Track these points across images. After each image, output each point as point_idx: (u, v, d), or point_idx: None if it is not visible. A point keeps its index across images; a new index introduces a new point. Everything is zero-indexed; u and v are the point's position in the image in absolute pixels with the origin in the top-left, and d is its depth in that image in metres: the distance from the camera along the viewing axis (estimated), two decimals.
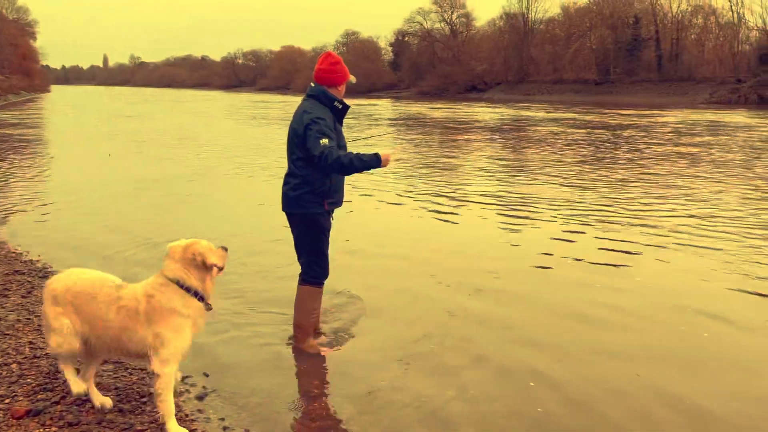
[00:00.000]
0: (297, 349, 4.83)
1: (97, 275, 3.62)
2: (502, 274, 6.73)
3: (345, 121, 4.86)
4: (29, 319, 4.98)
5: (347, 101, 4.77)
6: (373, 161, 4.35)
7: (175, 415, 3.64)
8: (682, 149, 19.75)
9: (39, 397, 3.69)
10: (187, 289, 3.38)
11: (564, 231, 8.76)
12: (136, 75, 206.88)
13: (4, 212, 9.79)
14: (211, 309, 3.51)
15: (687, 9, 72.58)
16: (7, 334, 4.62)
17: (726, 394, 4.22)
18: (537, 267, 7.03)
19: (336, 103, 4.65)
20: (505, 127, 30.40)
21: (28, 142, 21.47)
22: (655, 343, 5.02)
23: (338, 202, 4.78)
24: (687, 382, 4.36)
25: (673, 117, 36.51)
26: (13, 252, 7.39)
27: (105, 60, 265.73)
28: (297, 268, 4.87)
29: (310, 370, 4.58)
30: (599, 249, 7.78)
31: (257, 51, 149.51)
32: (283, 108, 48.20)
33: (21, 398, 3.67)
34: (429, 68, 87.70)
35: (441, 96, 77.96)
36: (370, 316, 5.53)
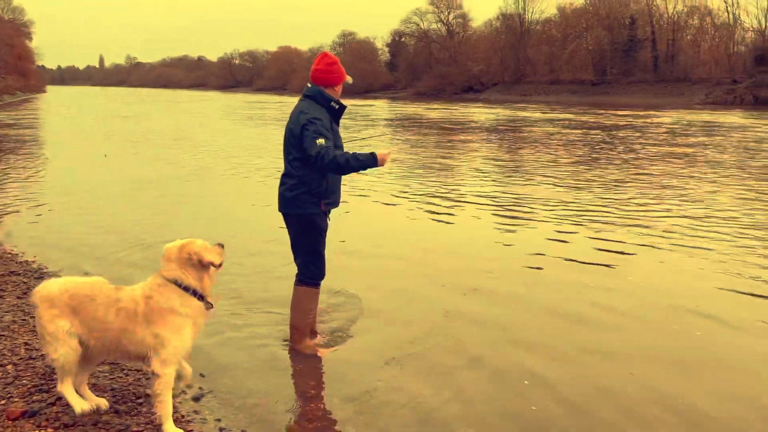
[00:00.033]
0: (293, 350, 4.82)
1: (92, 279, 3.59)
2: (497, 275, 6.74)
3: (342, 121, 4.86)
4: (24, 320, 4.97)
5: (344, 101, 4.77)
6: (369, 161, 4.35)
7: (172, 416, 3.65)
8: (677, 149, 19.80)
9: (35, 398, 3.68)
10: (186, 289, 3.38)
11: (558, 231, 8.77)
12: (132, 75, 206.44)
13: None
14: (212, 308, 3.51)
15: (683, 10, 72.90)
16: (3, 336, 4.61)
17: (718, 394, 4.24)
18: (532, 267, 7.04)
19: (333, 104, 4.65)
20: (500, 127, 30.43)
21: (24, 143, 21.41)
22: (648, 343, 5.04)
23: (335, 203, 4.78)
24: (679, 382, 4.37)
25: (668, 117, 36.60)
26: (9, 253, 7.37)
27: (101, 60, 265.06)
28: (293, 269, 4.87)
29: (307, 371, 4.58)
30: (594, 249, 7.80)
31: (254, 51, 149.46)
32: (279, 108, 48.17)
33: (16, 399, 3.66)
34: (426, 69, 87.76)
35: (438, 96, 78.01)
36: (367, 316, 5.53)
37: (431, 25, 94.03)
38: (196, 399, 4.00)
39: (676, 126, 30.25)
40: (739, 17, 69.28)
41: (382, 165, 4.41)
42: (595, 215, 9.80)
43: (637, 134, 25.53)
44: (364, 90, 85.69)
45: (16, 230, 8.68)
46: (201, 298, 3.44)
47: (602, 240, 8.25)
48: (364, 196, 11.33)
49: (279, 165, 4.88)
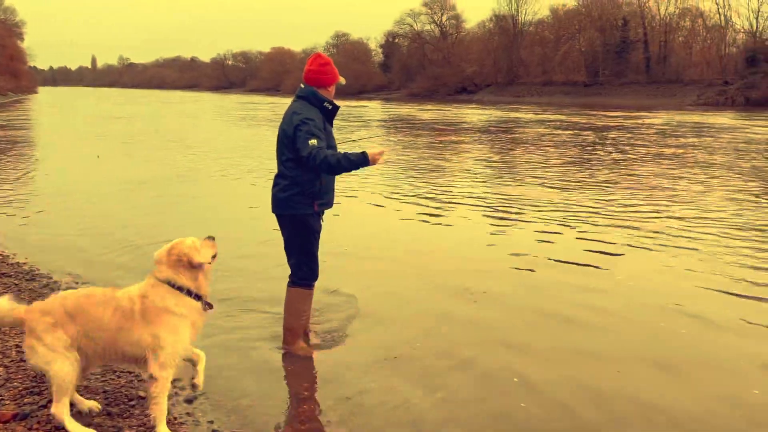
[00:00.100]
0: (287, 352, 4.81)
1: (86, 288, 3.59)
2: (487, 276, 6.75)
3: (335, 122, 4.85)
4: None
5: (337, 102, 4.76)
6: (361, 160, 4.33)
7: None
8: (667, 150, 19.90)
9: (26, 400, 3.66)
10: (180, 289, 3.36)
11: (548, 232, 8.80)
12: (124, 76, 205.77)
13: None
14: (212, 308, 3.49)
15: (675, 11, 73.20)
16: None
17: (703, 394, 4.26)
18: (521, 269, 7.06)
19: (326, 104, 4.64)
20: (492, 128, 30.49)
21: (15, 144, 21.32)
22: (635, 344, 5.07)
23: (328, 204, 4.77)
24: (665, 383, 4.39)
25: (658, 119, 36.74)
26: (0, 254, 7.33)
27: (93, 61, 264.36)
28: (286, 270, 4.86)
29: (300, 373, 4.57)
30: (582, 250, 7.83)
31: (247, 52, 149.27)
32: (272, 109, 48.11)
33: (7, 402, 3.63)
34: (419, 70, 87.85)
35: (431, 98, 78.07)
36: (359, 318, 5.53)
37: (424, 26, 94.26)
38: (189, 401, 3.98)
39: (666, 127, 30.39)
40: (731, 19, 69.75)
41: (374, 164, 4.39)
42: (584, 216, 9.84)
43: (628, 135, 25.63)
44: (357, 91, 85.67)
45: (7, 231, 8.64)
46: (198, 298, 3.42)
47: (591, 241, 8.29)
48: (356, 197, 11.32)
49: (271, 166, 4.87)
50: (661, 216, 9.85)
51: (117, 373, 4.15)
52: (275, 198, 4.67)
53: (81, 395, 3.61)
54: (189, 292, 3.38)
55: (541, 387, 4.29)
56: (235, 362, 4.59)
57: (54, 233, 8.57)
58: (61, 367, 3.20)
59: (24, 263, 6.99)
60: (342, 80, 4.80)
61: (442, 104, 62.46)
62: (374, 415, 3.93)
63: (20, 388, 3.80)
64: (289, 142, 4.51)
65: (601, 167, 15.86)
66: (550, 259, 7.42)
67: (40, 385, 3.81)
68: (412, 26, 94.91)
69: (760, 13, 64.51)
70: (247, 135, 26.31)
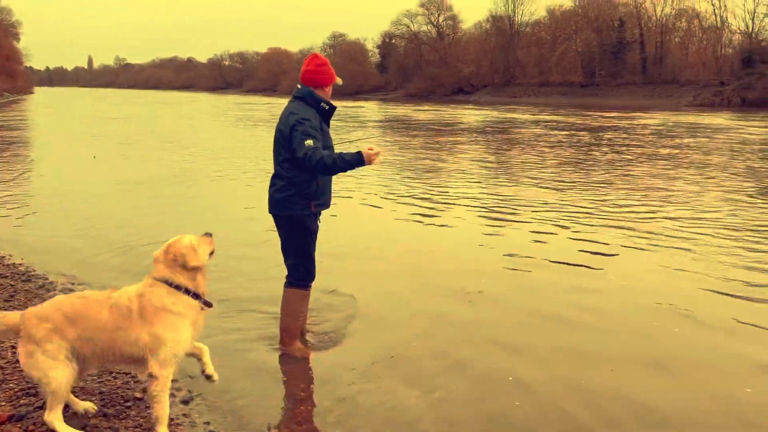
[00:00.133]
0: (283, 353, 4.81)
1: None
2: (483, 277, 6.75)
3: (332, 122, 4.85)
4: None
5: (334, 103, 4.76)
6: (356, 160, 4.33)
7: None
8: (662, 151, 19.95)
9: (22, 402, 3.65)
10: (177, 287, 3.35)
11: (543, 233, 8.82)
12: (121, 76, 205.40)
13: None
14: (211, 306, 3.48)
15: (671, 12, 73.36)
16: None
17: (694, 394, 4.27)
18: (517, 269, 7.07)
19: (323, 104, 4.64)
20: (489, 129, 30.51)
21: (10, 144, 21.25)
22: (629, 344, 5.09)
23: (325, 204, 4.77)
24: (658, 383, 4.40)
25: (654, 119, 36.80)
26: None
27: (90, 61, 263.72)
28: (283, 271, 4.85)
29: (297, 374, 4.56)
30: (578, 250, 7.84)
31: (244, 53, 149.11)
32: (268, 110, 48.09)
33: (3, 403, 3.62)
34: (416, 70, 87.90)
35: (428, 98, 78.11)
36: (356, 319, 5.53)
37: (421, 27, 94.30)
38: (185, 402, 3.98)
39: (661, 128, 30.45)
40: (727, 20, 69.89)
41: (369, 164, 4.37)
42: (579, 216, 9.85)
43: (624, 136, 25.68)
44: (354, 91, 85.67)
45: (2, 232, 8.63)
46: (196, 296, 3.41)
47: (585, 241, 8.31)
48: (352, 198, 11.32)
49: (267, 167, 4.87)
50: (656, 216, 9.88)
51: (113, 375, 4.14)
52: (272, 199, 4.66)
53: (77, 396, 3.60)
54: (187, 291, 3.37)
55: (535, 387, 4.30)
56: (232, 363, 4.58)
57: (50, 234, 8.55)
58: (59, 375, 3.16)
59: (20, 264, 6.97)
60: (339, 81, 4.81)
61: (439, 105, 62.49)
62: (371, 415, 3.93)
63: (16, 390, 3.79)
64: (285, 142, 4.51)
65: (596, 168, 15.88)
66: (544, 259, 7.44)
67: (35, 386, 3.80)
68: (408, 27, 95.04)
69: (755, 15, 64.75)
70: (244, 135, 26.29)
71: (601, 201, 11.23)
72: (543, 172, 14.99)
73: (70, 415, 3.48)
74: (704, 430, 3.86)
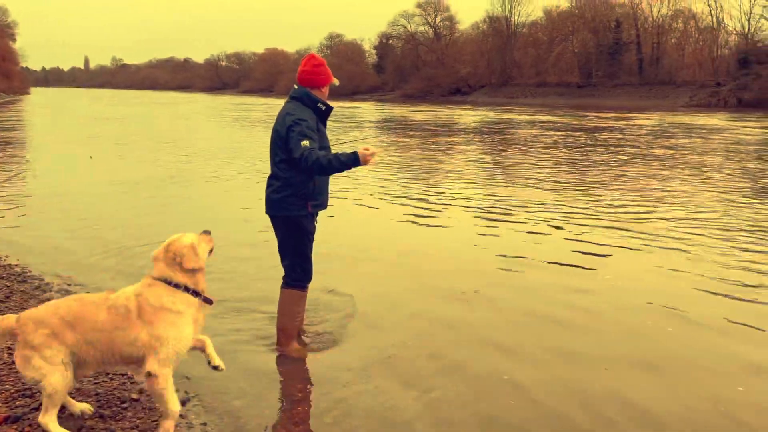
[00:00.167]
0: (280, 353, 4.80)
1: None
2: (478, 278, 6.75)
3: (328, 123, 4.85)
4: None
5: (331, 103, 4.76)
6: (351, 160, 4.32)
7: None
8: (657, 151, 20.00)
9: (18, 403, 3.64)
10: (177, 286, 3.34)
11: (538, 233, 8.84)
12: (117, 77, 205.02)
13: None
14: (211, 303, 3.48)
15: (667, 13, 73.49)
16: None
17: (688, 394, 4.28)
18: (512, 270, 7.08)
19: (319, 105, 4.64)
20: (485, 129, 30.54)
21: (6, 145, 21.21)
22: (622, 345, 5.09)
23: (322, 205, 4.77)
24: (651, 384, 4.41)
25: (649, 120, 36.86)
26: None
27: (86, 62, 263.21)
28: (280, 271, 4.85)
29: (294, 374, 4.56)
30: (572, 251, 7.86)
31: (240, 53, 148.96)
32: (265, 110, 48.06)
33: None
34: (413, 71, 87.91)
35: (425, 99, 78.13)
36: (353, 319, 5.53)
37: (418, 27, 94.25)
38: (182, 403, 3.96)
39: (657, 128, 30.51)
40: (723, 21, 70.09)
41: (365, 164, 4.36)
42: (574, 217, 9.87)
43: (619, 136, 25.73)
44: (351, 92, 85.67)
45: None
46: (196, 294, 3.40)
47: (580, 241, 8.32)
48: (348, 198, 11.31)
49: (264, 167, 4.87)
50: (651, 217, 9.91)
51: (109, 376, 4.13)
52: (269, 199, 4.66)
53: (73, 398, 3.59)
54: (186, 289, 3.36)
55: (530, 388, 4.31)
56: (229, 364, 4.53)
57: (46, 235, 8.53)
58: (57, 380, 3.15)
59: (16, 265, 6.95)
60: (336, 81, 4.80)
61: (436, 105, 62.52)
62: (368, 416, 3.93)
63: (12, 391, 3.77)
64: (282, 143, 4.51)
65: (591, 168, 15.91)
66: (540, 260, 7.45)
67: (32, 387, 3.79)
68: (405, 27, 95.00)
69: (751, 15, 64.93)
70: (240, 136, 26.26)
71: (596, 201, 11.25)
72: (539, 173, 15.01)
73: (66, 416, 3.47)
74: (698, 430, 3.87)
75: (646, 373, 4.58)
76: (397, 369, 4.59)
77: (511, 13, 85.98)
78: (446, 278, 6.69)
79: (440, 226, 9.43)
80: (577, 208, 10.64)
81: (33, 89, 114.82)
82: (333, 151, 4.63)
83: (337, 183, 11.86)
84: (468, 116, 42.44)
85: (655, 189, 12.62)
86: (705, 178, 14.15)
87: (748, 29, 65.26)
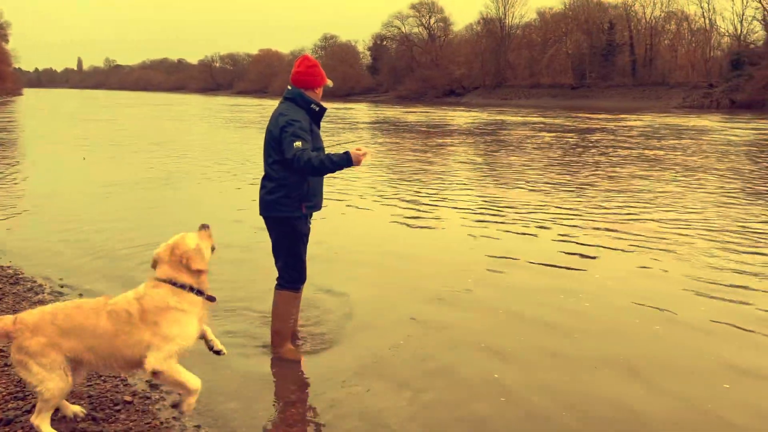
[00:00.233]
0: (274, 355, 4.79)
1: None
2: (469, 280, 6.76)
3: (321, 124, 4.84)
4: None
5: (325, 104, 4.76)
6: (344, 161, 4.33)
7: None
8: (648, 152, 20.06)
9: (10, 405, 3.62)
10: (182, 286, 3.33)
11: (528, 234, 8.87)
12: (111, 78, 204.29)
13: None
14: (214, 300, 3.48)
15: (660, 15, 73.73)
16: None
17: (674, 395, 4.29)
18: (502, 272, 7.09)
19: (313, 106, 4.64)
20: (478, 131, 30.57)
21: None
22: (611, 347, 5.10)
23: (316, 206, 4.76)
24: (639, 384, 4.43)
25: (640, 121, 36.97)
26: None
27: (79, 63, 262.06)
28: (274, 273, 4.84)
29: (287, 376, 4.55)
30: (562, 252, 7.90)
31: (234, 54, 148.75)
32: (259, 111, 47.99)
33: None
34: (407, 72, 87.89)
35: (419, 100, 78.17)
36: (346, 322, 5.53)
37: (412, 29, 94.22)
38: (175, 405, 3.94)
39: (648, 129, 30.62)
40: (715, 22, 70.41)
41: (357, 164, 4.36)
42: (564, 218, 9.91)
43: (611, 137, 25.81)
44: (345, 93, 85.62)
45: None
46: (200, 293, 3.39)
47: (570, 243, 8.36)
48: (340, 200, 11.30)
49: (257, 169, 4.86)
50: (640, 218, 9.95)
51: (102, 378, 4.11)
52: (262, 200, 4.65)
53: (66, 400, 3.57)
54: (191, 289, 3.36)
55: (519, 390, 4.32)
56: (223, 366, 4.55)
57: (39, 237, 8.49)
58: (54, 386, 3.13)
59: (8, 267, 6.92)
60: (329, 82, 4.80)
61: (430, 107, 62.59)
62: (362, 418, 3.93)
63: (4, 393, 3.75)
64: (275, 143, 4.50)
65: (582, 169, 15.96)
66: (528, 261, 7.48)
67: (24, 390, 3.77)
68: (400, 29, 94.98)
69: (744, 17, 65.25)
70: (234, 137, 26.22)
71: (587, 202, 11.30)
72: (530, 174, 15.04)
73: (59, 418, 3.46)
74: (683, 430, 3.89)
75: (632, 373, 4.60)
76: (390, 371, 4.59)
77: (504, 14, 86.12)
78: (437, 279, 6.70)
79: (431, 227, 9.45)
80: (566, 209, 10.67)
81: (26, 90, 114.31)
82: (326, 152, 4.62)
83: (330, 184, 11.85)
84: (461, 118, 42.49)
85: (644, 190, 12.67)
86: (694, 179, 14.20)
87: (741, 31, 65.64)
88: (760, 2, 60.74)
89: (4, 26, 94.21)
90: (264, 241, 4.85)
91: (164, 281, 3.32)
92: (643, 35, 73.73)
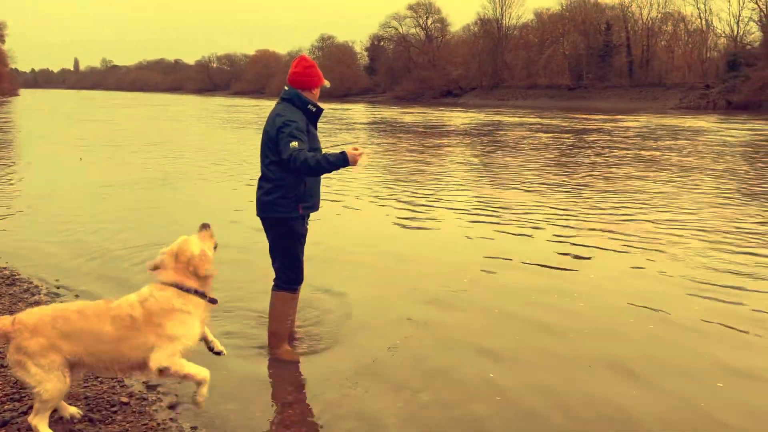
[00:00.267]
0: (271, 356, 4.79)
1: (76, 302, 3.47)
2: (465, 280, 6.77)
3: (318, 125, 4.85)
4: None
5: (322, 105, 4.76)
6: (340, 161, 4.32)
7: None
8: (644, 153, 20.10)
9: (6, 407, 3.61)
10: (187, 290, 3.34)
11: (524, 235, 8.88)
12: (107, 79, 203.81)
13: None
14: (216, 302, 3.50)
15: (657, 16, 73.84)
16: None
17: (667, 396, 4.30)
18: (498, 272, 7.09)
19: (310, 106, 4.64)
20: (474, 131, 30.60)
21: None
22: (606, 348, 5.11)
23: (314, 207, 4.76)
24: (633, 385, 4.43)
25: (636, 122, 37.02)
26: None
27: (76, 63, 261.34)
28: (271, 274, 4.84)
29: (285, 377, 4.55)
30: (557, 253, 7.91)
31: (231, 55, 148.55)
32: (256, 112, 47.94)
33: None
34: (405, 73, 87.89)
35: (417, 101, 78.19)
36: (343, 323, 5.53)
37: (410, 29, 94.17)
38: (172, 407, 3.95)
39: (644, 130, 30.67)
40: (712, 23, 70.54)
41: (354, 164, 4.36)
42: (558, 218, 9.93)
43: (606, 138, 25.85)
44: (343, 94, 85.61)
45: None
46: (203, 295, 3.41)
47: (564, 243, 8.38)
48: (337, 201, 11.30)
49: (254, 169, 4.86)
50: (635, 218, 9.97)
51: (99, 379, 4.11)
52: (259, 201, 4.65)
53: (63, 400, 3.56)
54: (196, 292, 3.37)
55: (513, 391, 4.32)
56: (219, 367, 4.53)
57: (35, 238, 8.48)
58: (52, 387, 3.12)
59: (4, 268, 6.91)
60: (327, 83, 4.80)
61: (427, 107, 62.62)
62: (358, 419, 3.93)
63: (0, 395, 3.74)
64: (272, 144, 4.50)
65: (578, 170, 15.99)
66: (523, 261, 7.49)
67: (20, 391, 3.77)
68: (397, 29, 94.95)
69: (740, 18, 65.40)
70: (231, 138, 26.20)
71: (582, 203, 11.32)
72: (526, 175, 15.06)
73: (55, 419, 3.45)
74: (676, 431, 3.90)
75: (626, 374, 4.61)
76: (387, 371, 4.60)
77: (502, 15, 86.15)
78: (434, 280, 6.71)
79: (428, 228, 9.46)
80: (562, 209, 10.70)
81: (22, 91, 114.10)
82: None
83: (327, 185, 11.85)
84: (458, 118, 42.52)
85: (639, 191, 12.69)
86: (690, 180, 14.23)
87: (737, 32, 65.77)
88: (756, 3, 60.89)
89: (1, 27, 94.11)
90: (261, 241, 4.85)
91: (170, 285, 3.33)
92: (639, 36, 73.86)
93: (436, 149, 22.03)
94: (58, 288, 6.28)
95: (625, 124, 35.38)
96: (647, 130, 30.76)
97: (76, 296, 6.00)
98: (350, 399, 4.18)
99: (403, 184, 13.62)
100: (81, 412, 3.56)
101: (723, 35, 68.55)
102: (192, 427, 3.71)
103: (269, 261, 4.81)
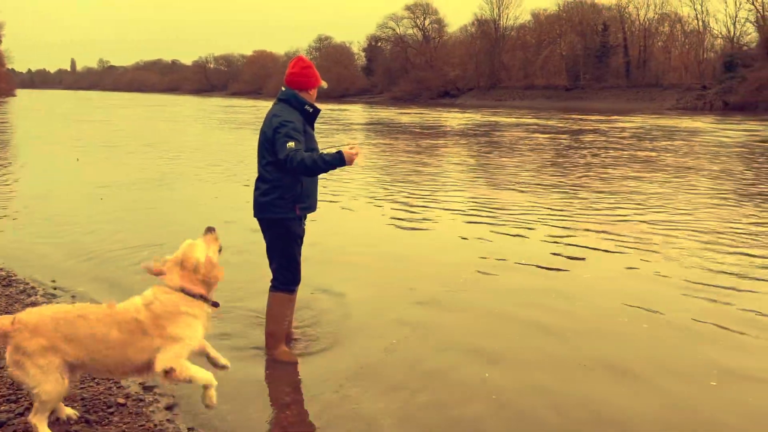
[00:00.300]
0: (269, 357, 4.79)
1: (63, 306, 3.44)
2: (459, 281, 6.78)
3: (315, 125, 4.85)
4: None
5: (319, 106, 4.76)
6: (336, 160, 4.32)
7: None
8: (639, 153, 20.15)
9: (2, 408, 3.61)
10: (193, 296, 3.35)
11: (520, 236, 8.89)
12: (105, 79, 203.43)
13: None
14: (218, 306, 3.50)
15: (654, 17, 74.01)
16: None
17: (661, 396, 4.31)
18: (493, 273, 7.10)
19: (306, 107, 4.64)
20: (471, 132, 30.62)
21: None
22: (601, 349, 5.11)
23: (311, 207, 4.76)
24: (627, 386, 4.45)
25: (632, 123, 37.10)
26: None
27: (73, 64, 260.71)
28: (268, 275, 4.84)
29: (282, 378, 4.55)
30: (553, 253, 7.93)
31: (229, 55, 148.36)
32: (253, 113, 47.91)
33: None
34: (402, 73, 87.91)
35: (414, 101, 78.23)
36: (341, 324, 5.53)
37: (407, 30, 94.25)
38: (169, 408, 3.95)
39: (640, 130, 30.73)
40: (708, 24, 70.69)
41: (350, 164, 4.36)
42: (554, 219, 9.96)
43: (602, 139, 25.90)
44: (340, 94, 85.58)
45: None
46: (205, 299, 3.42)
47: (560, 244, 8.40)
48: (333, 201, 11.30)
49: (251, 170, 4.86)
50: (630, 219, 9.99)
51: (95, 381, 4.10)
52: (256, 202, 4.65)
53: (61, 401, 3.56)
54: (201, 296, 3.38)
55: (508, 393, 4.33)
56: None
57: (31, 239, 8.46)
58: (51, 388, 3.10)
59: (0, 269, 6.89)
60: (324, 84, 4.80)
61: (424, 108, 62.65)
62: (356, 420, 3.93)
63: None
64: (269, 145, 4.51)
65: (573, 170, 16.02)
66: (519, 262, 7.51)
67: (16, 392, 3.76)
68: (394, 30, 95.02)
69: (737, 19, 65.58)
70: (228, 138, 26.18)
71: (578, 203, 11.34)
72: (523, 175, 15.09)
73: (52, 420, 3.44)
74: (673, 429, 3.91)
75: (620, 374, 4.62)
76: (384, 372, 4.60)
77: (499, 16, 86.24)
78: (430, 280, 6.72)
79: (424, 228, 9.47)
80: (558, 210, 10.72)
81: (19, 91, 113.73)
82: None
83: (324, 186, 11.84)
84: (455, 119, 42.54)
85: (635, 191, 12.72)
86: (686, 181, 14.27)
87: (734, 33, 65.94)
88: (753, 4, 61.05)
89: None
90: (258, 242, 4.85)
91: (176, 290, 3.33)
92: (636, 37, 74.00)
93: (432, 150, 22.05)
94: (54, 289, 6.27)
95: (622, 124, 35.45)
96: (643, 130, 30.82)
97: (73, 297, 6.00)
98: (348, 400, 4.18)
99: (400, 184, 13.63)
100: (77, 414, 3.55)
101: (720, 36, 68.78)
102: (189, 429, 3.71)
103: (266, 262, 4.81)
